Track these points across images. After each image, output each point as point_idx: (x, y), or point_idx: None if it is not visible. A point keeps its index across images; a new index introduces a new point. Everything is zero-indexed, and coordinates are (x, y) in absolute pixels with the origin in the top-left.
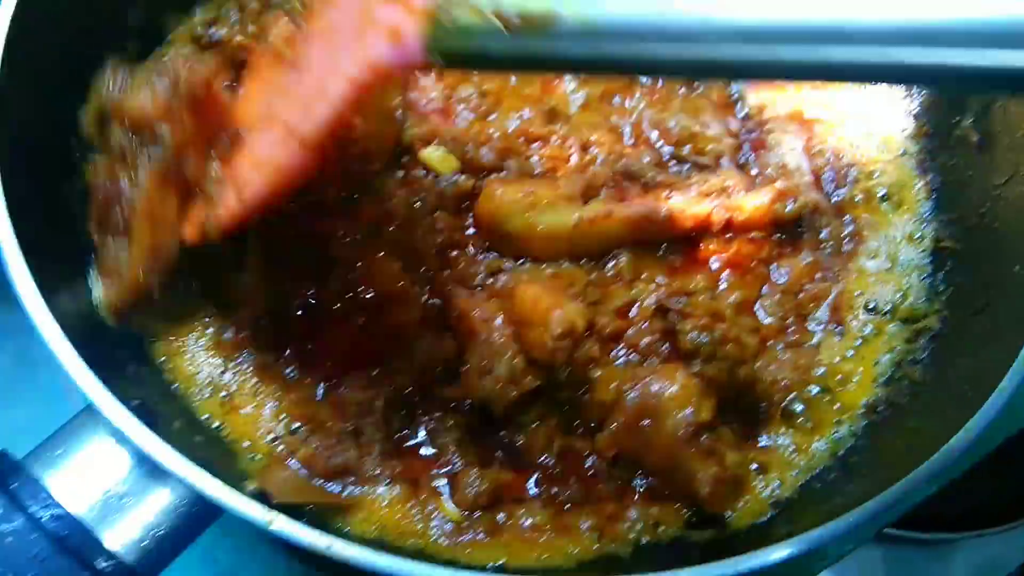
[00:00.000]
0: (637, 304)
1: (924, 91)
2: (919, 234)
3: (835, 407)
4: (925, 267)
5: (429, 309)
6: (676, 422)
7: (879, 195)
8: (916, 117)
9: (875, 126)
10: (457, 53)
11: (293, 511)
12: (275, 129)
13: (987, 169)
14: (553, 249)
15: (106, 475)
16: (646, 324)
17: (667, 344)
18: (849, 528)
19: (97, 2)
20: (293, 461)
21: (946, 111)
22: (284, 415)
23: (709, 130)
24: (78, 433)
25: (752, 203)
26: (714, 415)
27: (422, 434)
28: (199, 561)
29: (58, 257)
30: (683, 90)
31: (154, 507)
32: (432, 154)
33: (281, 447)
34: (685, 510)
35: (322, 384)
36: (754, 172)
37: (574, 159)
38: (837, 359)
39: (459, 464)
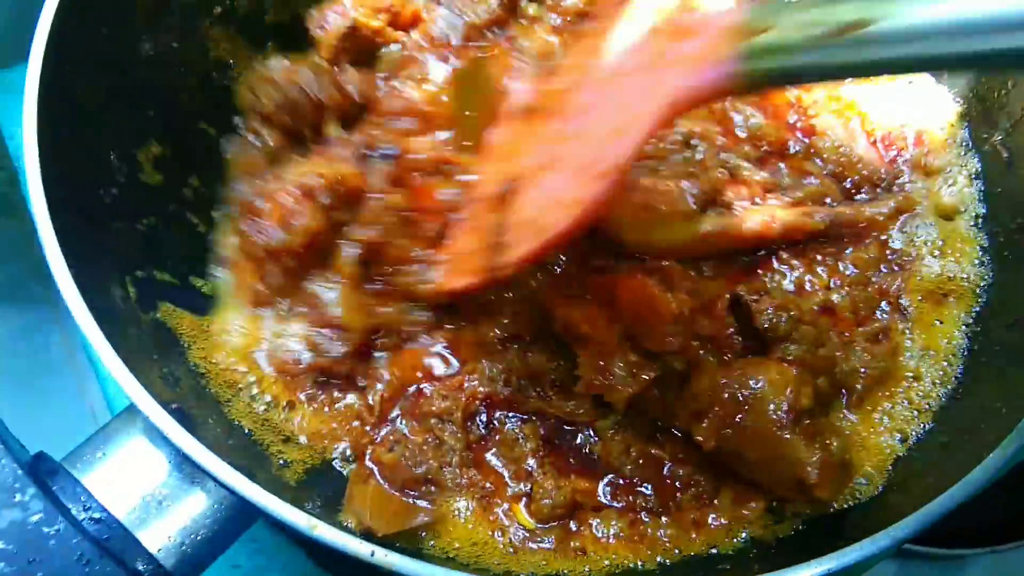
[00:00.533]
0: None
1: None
2: (969, 227)
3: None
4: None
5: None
6: (776, 408)
7: (932, 174)
8: (952, 132)
9: (916, 113)
10: (769, 71)
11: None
12: (561, 171)
13: (1017, 185)
14: (662, 255)
15: (145, 478)
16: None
17: (742, 338)
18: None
19: None
20: (374, 477)
21: (980, 124)
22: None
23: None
24: (116, 436)
25: (783, 217)
26: (813, 401)
27: (499, 444)
28: (220, 566)
29: (99, 262)
30: None
31: (192, 510)
32: None
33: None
34: (768, 514)
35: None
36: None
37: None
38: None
39: (538, 474)
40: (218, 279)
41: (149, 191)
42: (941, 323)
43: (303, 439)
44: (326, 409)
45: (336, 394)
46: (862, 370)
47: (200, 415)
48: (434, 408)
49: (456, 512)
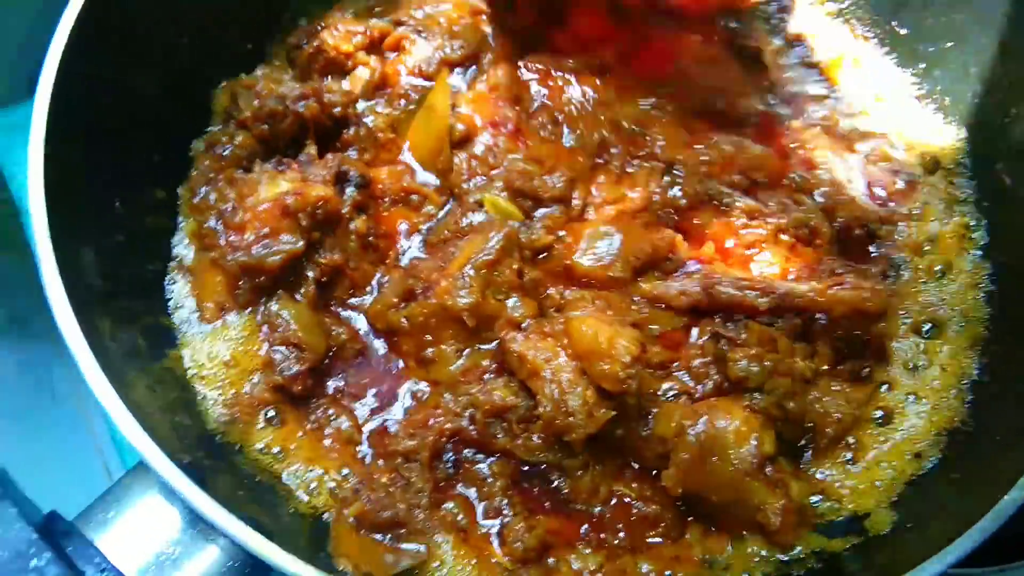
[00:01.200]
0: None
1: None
2: (969, 260)
3: (888, 443)
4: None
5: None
6: (742, 456)
7: (924, 213)
8: (957, 158)
9: (915, 140)
10: None
11: None
12: None
13: (1021, 213)
14: None
15: (157, 535)
16: (699, 355)
17: (718, 373)
18: None
19: None
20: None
21: (982, 151)
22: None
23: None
24: (128, 493)
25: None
26: (776, 446)
27: (468, 483)
28: None
29: (107, 312)
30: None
31: (206, 567)
32: (496, 199)
33: (325, 503)
34: (750, 548)
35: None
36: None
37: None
38: (892, 391)
39: (507, 514)
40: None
41: (156, 235)
42: (942, 358)
43: (301, 486)
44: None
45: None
46: (836, 415)
47: (211, 465)
48: (400, 448)
49: (441, 552)
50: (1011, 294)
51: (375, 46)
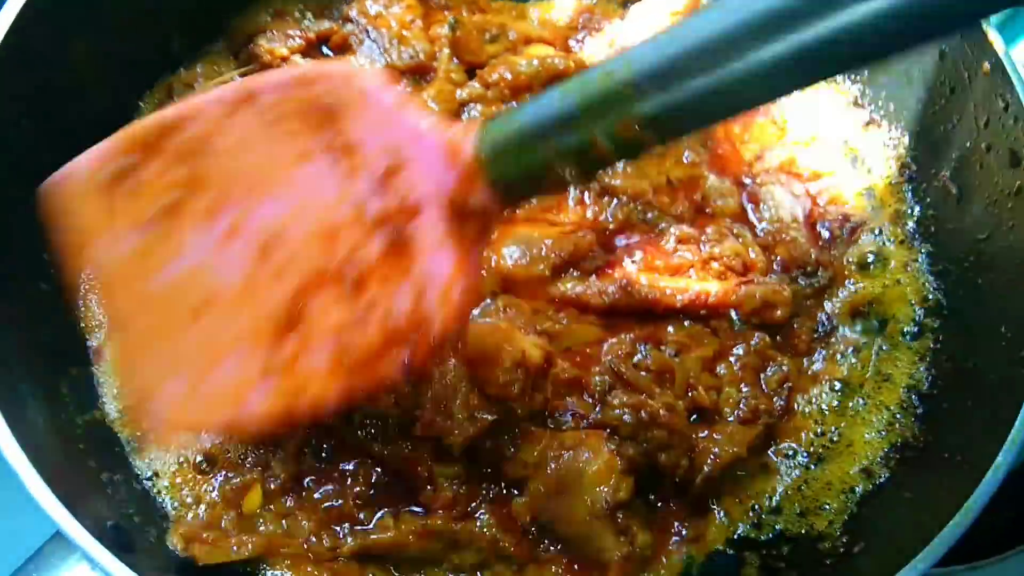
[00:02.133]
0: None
1: (907, 136)
2: (909, 295)
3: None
4: (911, 331)
5: None
6: (594, 498)
7: (868, 249)
8: (900, 165)
9: (862, 174)
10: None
11: None
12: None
13: (967, 222)
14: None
15: None
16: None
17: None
18: None
19: None
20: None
21: (928, 159)
22: None
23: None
24: (48, 561)
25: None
26: (631, 494)
27: (331, 482)
28: None
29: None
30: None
31: None
32: None
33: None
34: None
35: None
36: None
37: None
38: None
39: (362, 516)
40: None
41: None
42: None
43: None
44: None
45: None
46: (709, 459)
47: (146, 525)
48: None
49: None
50: (958, 309)
51: (313, 47)
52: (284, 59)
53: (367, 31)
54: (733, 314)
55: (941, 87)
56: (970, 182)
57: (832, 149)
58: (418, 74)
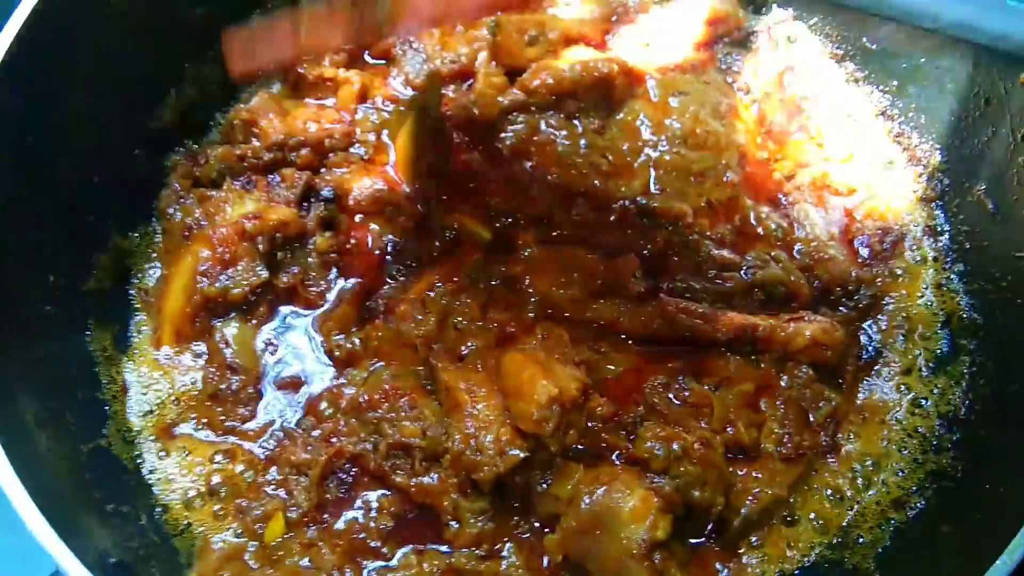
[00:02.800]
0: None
1: (939, 150)
2: (942, 315)
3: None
4: (944, 354)
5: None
6: (631, 537)
7: (898, 267)
8: (932, 180)
9: (894, 188)
10: None
11: None
12: None
13: (1004, 240)
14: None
15: None
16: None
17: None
18: None
19: None
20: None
21: (961, 173)
22: None
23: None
24: None
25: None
26: (670, 532)
27: (354, 512)
28: None
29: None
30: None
31: None
32: (464, 219)
33: None
34: None
35: None
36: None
37: None
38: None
39: (385, 550)
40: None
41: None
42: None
43: None
44: None
45: None
46: (748, 500)
47: (152, 560)
48: (293, 458)
49: None
50: (995, 330)
51: (357, 58)
52: (331, 78)
53: (409, 42)
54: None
55: (976, 98)
56: (1006, 197)
57: (865, 163)
58: (461, 78)
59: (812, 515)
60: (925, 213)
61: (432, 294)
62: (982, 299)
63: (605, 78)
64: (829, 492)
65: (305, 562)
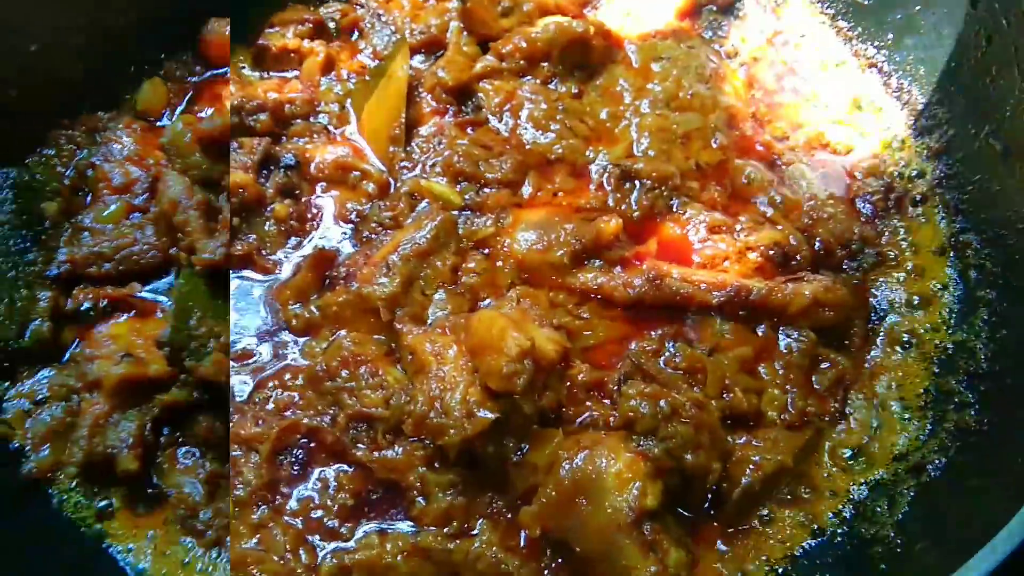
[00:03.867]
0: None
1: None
2: (957, 265)
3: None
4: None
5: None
6: (617, 506)
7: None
8: (938, 131)
9: (895, 142)
10: None
11: None
12: None
13: (1016, 182)
14: None
15: None
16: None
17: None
18: None
19: None
20: None
21: (965, 119)
22: None
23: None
24: None
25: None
26: (660, 502)
27: (309, 491)
28: None
29: None
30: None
31: None
32: (432, 185)
33: None
34: None
35: None
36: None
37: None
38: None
39: (344, 530)
40: None
41: None
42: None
43: None
44: None
45: None
46: (749, 469)
47: None
48: (243, 432)
49: None
50: (1013, 276)
51: (322, 30)
52: (294, 49)
53: (378, 15)
54: None
55: (976, 38)
56: (1016, 137)
57: (863, 120)
58: (431, 49)
59: (823, 485)
60: (931, 166)
61: (396, 258)
62: (997, 246)
63: (580, 38)
64: (846, 455)
65: (252, 544)
